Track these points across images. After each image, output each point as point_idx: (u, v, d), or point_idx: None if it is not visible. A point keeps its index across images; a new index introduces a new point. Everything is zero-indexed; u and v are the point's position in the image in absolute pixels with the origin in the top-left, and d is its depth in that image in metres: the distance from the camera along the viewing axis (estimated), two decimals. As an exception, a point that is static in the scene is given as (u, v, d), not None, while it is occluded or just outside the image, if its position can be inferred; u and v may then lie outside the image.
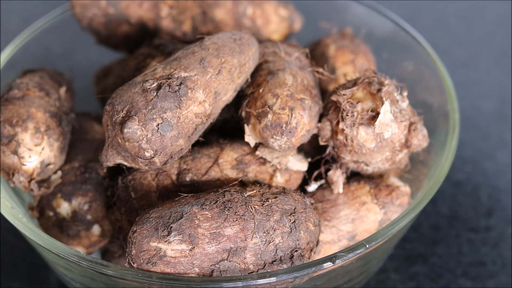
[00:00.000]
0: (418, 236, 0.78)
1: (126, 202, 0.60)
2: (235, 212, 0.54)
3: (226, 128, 0.66)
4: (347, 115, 0.58)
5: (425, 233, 0.79)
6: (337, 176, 0.62)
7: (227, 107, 0.63)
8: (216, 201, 0.55)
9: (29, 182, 0.62)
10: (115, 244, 0.66)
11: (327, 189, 0.63)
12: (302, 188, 0.64)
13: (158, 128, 0.55)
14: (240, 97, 0.62)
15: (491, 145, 0.89)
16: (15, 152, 0.61)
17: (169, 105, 0.55)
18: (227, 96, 0.60)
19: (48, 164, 0.63)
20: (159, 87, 0.56)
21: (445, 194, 0.83)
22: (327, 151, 0.62)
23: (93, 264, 0.55)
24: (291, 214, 0.55)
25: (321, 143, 0.61)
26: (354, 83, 0.60)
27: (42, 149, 0.62)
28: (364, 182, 0.64)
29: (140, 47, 0.71)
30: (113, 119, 0.56)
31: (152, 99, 0.55)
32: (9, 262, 0.76)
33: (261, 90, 0.60)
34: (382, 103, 0.58)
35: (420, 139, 0.60)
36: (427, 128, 0.61)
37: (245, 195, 0.56)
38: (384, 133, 0.58)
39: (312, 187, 0.64)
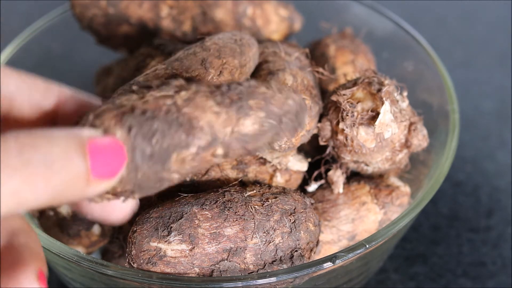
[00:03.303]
0: (418, 236, 0.78)
1: (126, 202, 0.60)
2: (235, 212, 0.54)
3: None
4: (347, 115, 0.58)
5: (425, 233, 0.79)
6: (337, 176, 0.62)
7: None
8: (216, 201, 0.55)
9: None
10: (115, 244, 0.66)
11: (327, 189, 0.63)
12: (302, 188, 0.64)
13: (160, 129, 0.55)
14: (240, 97, 0.62)
15: (491, 145, 0.89)
16: None
17: (171, 106, 0.55)
18: (228, 96, 0.60)
19: None
20: (160, 88, 0.56)
21: (445, 194, 0.83)
22: (327, 151, 0.62)
23: (93, 264, 0.55)
24: (291, 214, 0.55)
25: (321, 143, 0.61)
26: (354, 83, 0.60)
27: None
28: (364, 182, 0.64)
29: (140, 47, 0.71)
30: (114, 119, 0.56)
31: (153, 99, 0.55)
32: (9, 262, 0.76)
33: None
34: (382, 103, 0.58)
35: (420, 139, 0.60)
36: (427, 128, 0.61)
37: (245, 195, 0.56)
38: (384, 133, 0.58)
39: (312, 187, 0.64)
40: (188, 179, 0.60)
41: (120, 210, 0.46)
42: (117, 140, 0.41)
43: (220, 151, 0.45)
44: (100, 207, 0.46)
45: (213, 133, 0.44)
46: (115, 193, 0.43)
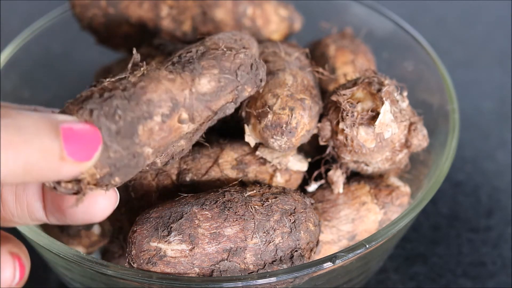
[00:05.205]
0: (418, 236, 0.78)
1: (126, 202, 0.60)
2: (235, 212, 0.54)
3: (226, 128, 0.66)
4: (347, 115, 0.58)
5: (425, 233, 0.79)
6: (337, 176, 0.62)
7: (227, 107, 0.63)
8: (216, 201, 0.55)
9: None
10: (115, 244, 0.66)
11: (327, 189, 0.63)
12: (302, 188, 0.64)
13: (159, 128, 0.55)
14: (240, 97, 0.62)
15: (491, 145, 0.89)
16: None
17: (171, 106, 0.55)
18: (228, 96, 0.60)
19: None
20: (160, 87, 0.56)
21: (445, 194, 0.83)
22: (327, 151, 0.62)
23: (93, 264, 0.55)
24: (291, 214, 0.55)
25: (321, 143, 0.61)
26: (354, 83, 0.60)
27: None
28: (364, 182, 0.64)
29: (140, 47, 0.71)
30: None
31: (153, 99, 0.55)
32: (9, 262, 0.76)
33: (261, 90, 0.60)
34: (382, 103, 0.58)
35: (420, 139, 0.60)
36: (427, 128, 0.61)
37: (245, 195, 0.56)
38: (384, 133, 0.58)
39: (312, 187, 0.64)
40: (188, 179, 0.60)
41: (102, 208, 0.46)
42: (91, 124, 0.43)
43: (184, 115, 0.48)
44: (83, 208, 0.46)
45: (173, 97, 0.47)
46: (96, 182, 0.44)
